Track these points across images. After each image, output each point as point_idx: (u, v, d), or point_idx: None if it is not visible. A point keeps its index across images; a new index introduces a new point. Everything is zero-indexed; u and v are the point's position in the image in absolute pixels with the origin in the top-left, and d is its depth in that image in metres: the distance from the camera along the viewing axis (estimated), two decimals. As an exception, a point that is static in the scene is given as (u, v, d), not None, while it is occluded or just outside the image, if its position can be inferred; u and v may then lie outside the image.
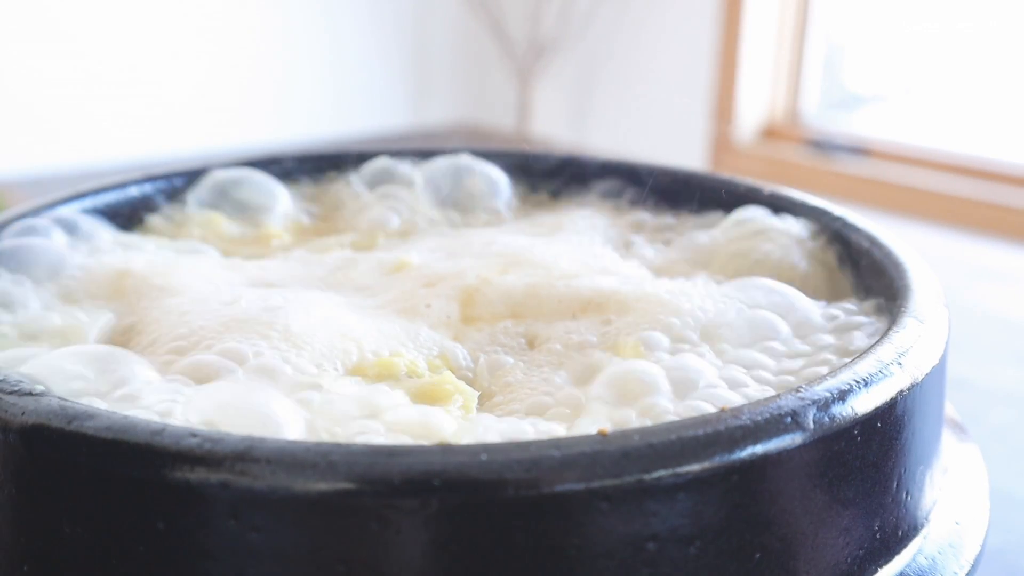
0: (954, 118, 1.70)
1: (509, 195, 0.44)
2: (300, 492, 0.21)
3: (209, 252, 0.39)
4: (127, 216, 0.41)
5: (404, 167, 0.44)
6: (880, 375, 0.25)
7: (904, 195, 1.55)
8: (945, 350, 0.29)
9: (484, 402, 0.29)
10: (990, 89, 1.69)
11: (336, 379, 0.28)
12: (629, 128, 1.87)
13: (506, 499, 0.21)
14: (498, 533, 0.21)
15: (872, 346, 0.27)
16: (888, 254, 0.34)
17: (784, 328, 0.31)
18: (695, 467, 0.22)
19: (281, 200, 0.43)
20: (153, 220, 0.41)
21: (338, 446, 0.21)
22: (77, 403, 0.23)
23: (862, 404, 0.24)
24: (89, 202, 0.40)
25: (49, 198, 0.39)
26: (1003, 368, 0.73)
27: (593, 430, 0.22)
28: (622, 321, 0.31)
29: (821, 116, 1.76)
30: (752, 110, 1.74)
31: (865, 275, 0.35)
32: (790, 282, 0.34)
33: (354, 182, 0.44)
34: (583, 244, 0.38)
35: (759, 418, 0.23)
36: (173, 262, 0.36)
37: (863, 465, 0.25)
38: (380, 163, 0.45)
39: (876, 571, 0.25)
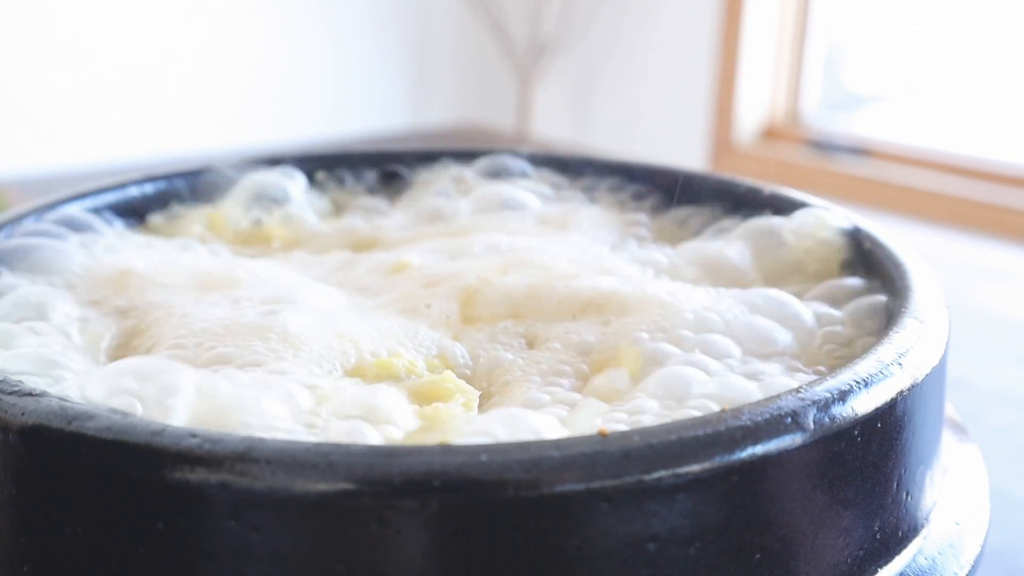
0: (954, 118, 1.70)
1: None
2: (300, 493, 0.21)
3: (209, 251, 0.39)
4: (128, 216, 0.41)
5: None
6: (880, 375, 0.25)
7: (904, 195, 1.55)
8: (945, 350, 0.29)
9: (483, 402, 0.29)
10: (990, 89, 1.69)
11: (336, 379, 0.28)
12: (629, 128, 1.87)
13: (506, 499, 0.21)
14: (498, 533, 0.21)
15: (872, 347, 0.27)
16: (888, 254, 0.34)
17: (783, 331, 0.31)
18: (695, 467, 0.22)
19: (298, 198, 0.43)
20: (154, 219, 0.42)
21: (338, 446, 0.21)
22: (77, 403, 0.23)
23: (862, 404, 0.24)
24: (90, 202, 0.40)
25: (50, 198, 0.39)
26: (1003, 368, 0.73)
27: (593, 430, 0.22)
28: (621, 322, 0.31)
29: (821, 116, 1.76)
30: (752, 110, 1.74)
31: (865, 275, 0.35)
32: (795, 282, 0.34)
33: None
34: (583, 244, 0.38)
35: (759, 418, 0.23)
36: (174, 261, 0.36)
37: (863, 465, 0.25)
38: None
39: (876, 571, 0.25)
